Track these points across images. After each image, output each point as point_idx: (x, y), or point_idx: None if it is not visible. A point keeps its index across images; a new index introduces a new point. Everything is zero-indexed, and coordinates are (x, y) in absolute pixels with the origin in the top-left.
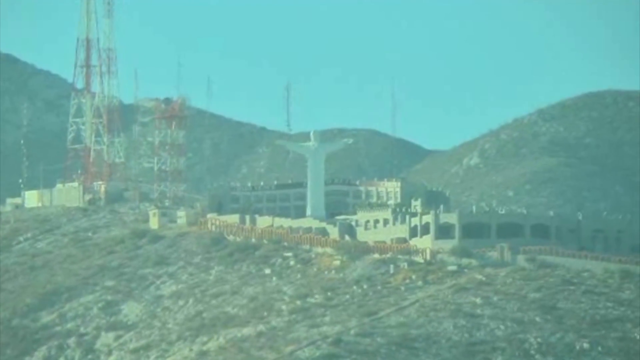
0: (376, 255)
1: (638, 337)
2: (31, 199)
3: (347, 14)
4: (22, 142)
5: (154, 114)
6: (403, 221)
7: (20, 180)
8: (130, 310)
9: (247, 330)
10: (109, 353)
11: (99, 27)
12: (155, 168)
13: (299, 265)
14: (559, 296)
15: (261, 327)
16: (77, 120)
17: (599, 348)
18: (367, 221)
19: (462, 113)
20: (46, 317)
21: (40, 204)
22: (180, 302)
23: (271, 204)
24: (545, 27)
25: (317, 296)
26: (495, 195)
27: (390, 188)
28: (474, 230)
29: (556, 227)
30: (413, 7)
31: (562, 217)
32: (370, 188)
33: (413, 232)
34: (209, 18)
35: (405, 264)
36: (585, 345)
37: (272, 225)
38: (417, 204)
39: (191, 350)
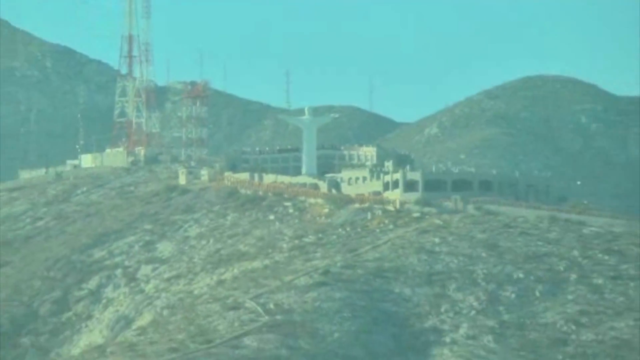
0: (357, 205)
1: (562, 268)
2: (86, 160)
3: (335, 14)
4: (79, 116)
5: (182, 94)
6: (378, 178)
7: (77, 146)
8: (164, 248)
9: (255, 264)
10: (148, 281)
11: (139, 25)
12: (184, 137)
13: (296, 213)
14: (500, 237)
15: (267, 261)
16: (122, 99)
17: (531, 277)
18: (350, 178)
19: (424, 92)
20: (98, 253)
21: (93, 165)
22: (203, 242)
23: (274, 164)
24: (492, 19)
25: (310, 237)
26: (450, 157)
27: (368, 153)
28: (433, 185)
29: (498, 183)
30: (388, 8)
31: (502, 175)
32: (352, 152)
33: (386, 187)
34: (227, 18)
35: (380, 212)
36: (521, 275)
37: (275, 181)
38: (389, 165)
39: (212, 279)
